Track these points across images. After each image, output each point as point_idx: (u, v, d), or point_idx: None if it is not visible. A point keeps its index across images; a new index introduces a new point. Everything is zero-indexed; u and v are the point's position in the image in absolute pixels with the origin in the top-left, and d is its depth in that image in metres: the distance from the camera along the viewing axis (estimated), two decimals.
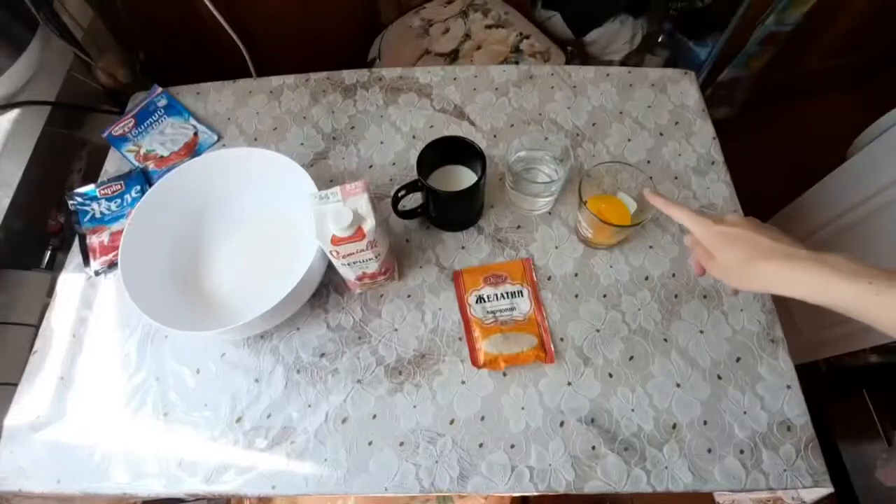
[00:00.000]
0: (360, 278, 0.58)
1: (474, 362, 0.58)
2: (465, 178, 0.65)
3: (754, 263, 0.43)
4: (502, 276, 0.62)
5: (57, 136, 0.77)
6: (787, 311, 1.03)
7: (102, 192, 0.71)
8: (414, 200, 0.67)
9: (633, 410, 0.55)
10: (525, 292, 0.61)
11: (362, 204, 0.51)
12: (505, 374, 0.58)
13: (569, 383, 0.57)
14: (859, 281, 0.38)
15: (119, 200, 0.70)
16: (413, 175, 0.65)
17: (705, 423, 0.55)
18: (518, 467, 0.53)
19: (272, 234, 0.66)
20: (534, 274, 0.63)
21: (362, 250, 0.52)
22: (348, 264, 0.54)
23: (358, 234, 0.50)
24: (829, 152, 1.00)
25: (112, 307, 0.65)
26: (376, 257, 0.54)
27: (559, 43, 1.17)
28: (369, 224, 0.50)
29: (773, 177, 1.21)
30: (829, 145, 1.01)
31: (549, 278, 0.63)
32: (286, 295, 0.53)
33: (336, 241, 0.50)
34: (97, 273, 0.67)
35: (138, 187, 0.71)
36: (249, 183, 0.65)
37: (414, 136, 0.75)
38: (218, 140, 0.77)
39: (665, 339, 0.59)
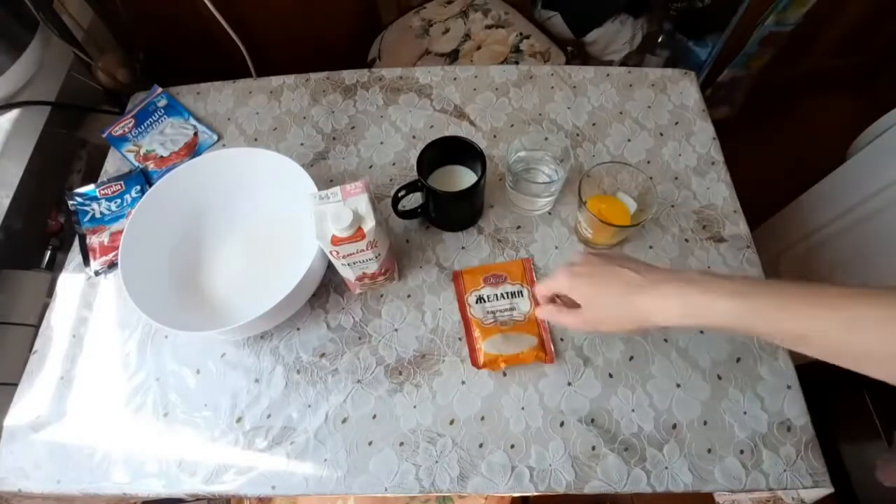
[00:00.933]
0: (359, 279, 0.58)
1: (474, 363, 0.58)
2: (465, 178, 0.65)
3: (629, 300, 0.41)
4: (502, 276, 0.62)
5: (57, 136, 0.77)
6: None
7: (102, 192, 0.71)
8: (414, 200, 0.67)
9: (633, 411, 0.55)
10: (525, 292, 0.61)
11: (362, 204, 0.51)
12: (505, 375, 0.58)
13: (569, 383, 0.57)
14: (733, 296, 0.37)
15: (119, 200, 0.70)
16: (413, 175, 0.65)
17: (705, 423, 0.55)
18: (518, 467, 0.53)
19: (272, 234, 0.66)
20: (534, 274, 0.63)
21: (362, 250, 0.52)
22: (348, 264, 0.54)
23: (358, 234, 0.50)
24: (829, 152, 1.00)
25: (112, 307, 0.65)
26: (376, 257, 0.54)
27: (559, 43, 1.17)
28: (369, 224, 0.50)
29: (773, 177, 1.21)
30: (829, 145, 1.01)
31: None
32: (286, 295, 0.53)
33: (336, 241, 0.50)
34: (97, 273, 0.67)
35: (138, 187, 0.71)
36: (249, 183, 0.65)
37: (414, 136, 0.75)
38: (218, 140, 0.77)
39: (665, 340, 0.59)
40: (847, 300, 0.33)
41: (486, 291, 0.61)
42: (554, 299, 0.50)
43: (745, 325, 0.36)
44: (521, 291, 0.61)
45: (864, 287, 0.34)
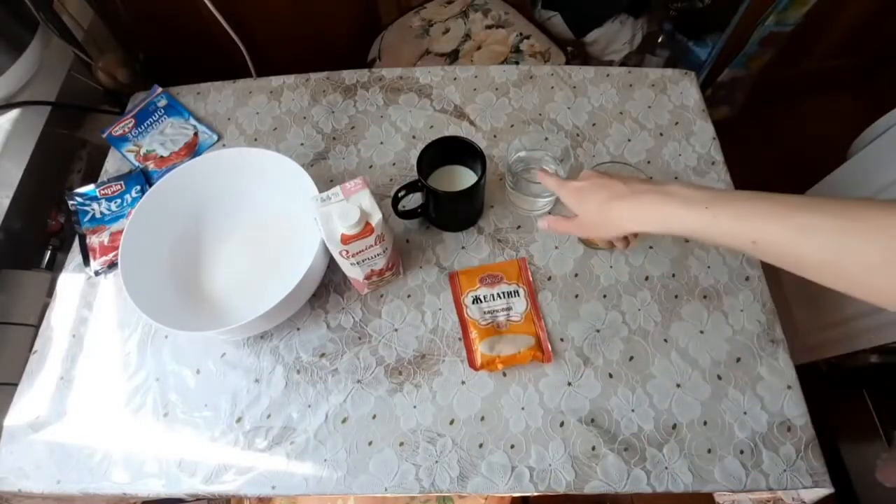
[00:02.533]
0: (368, 277, 0.58)
1: (472, 364, 0.58)
2: (465, 178, 0.65)
3: (608, 206, 0.46)
4: (498, 276, 0.62)
5: (57, 136, 0.77)
6: (787, 311, 1.03)
7: (102, 192, 0.71)
8: (414, 200, 0.67)
9: (633, 411, 0.55)
10: (521, 292, 0.61)
11: (365, 200, 0.51)
12: (505, 375, 0.58)
13: (569, 383, 0.57)
14: (696, 207, 0.40)
15: (119, 200, 0.70)
16: (413, 175, 0.65)
17: (705, 423, 0.55)
18: (518, 467, 0.53)
19: (272, 234, 0.66)
20: (530, 273, 0.63)
21: (371, 245, 0.52)
22: (357, 263, 0.54)
23: (366, 229, 0.50)
24: (829, 152, 1.00)
25: (112, 307, 0.65)
26: (384, 251, 0.55)
27: (559, 43, 1.17)
28: (376, 218, 0.50)
29: (774, 177, 1.21)
30: (829, 145, 1.01)
31: (549, 279, 0.63)
32: (286, 295, 0.53)
33: (346, 239, 0.50)
34: (97, 273, 0.67)
35: (138, 187, 0.71)
36: (249, 183, 0.65)
37: (414, 137, 0.75)
38: (218, 140, 0.77)
39: (665, 340, 0.59)
40: (796, 210, 0.36)
41: (482, 292, 0.61)
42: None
43: (707, 235, 0.40)
44: (517, 291, 0.61)
45: (811, 197, 0.37)
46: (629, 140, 0.73)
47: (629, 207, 0.45)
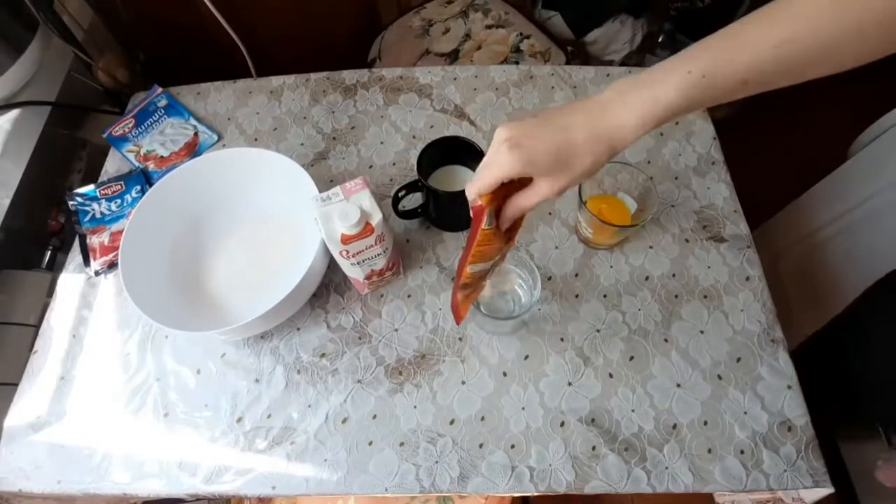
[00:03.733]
0: (368, 277, 0.58)
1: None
2: (465, 178, 0.65)
3: (598, 118, 0.36)
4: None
5: (57, 136, 0.77)
6: (787, 311, 1.03)
7: (102, 192, 0.71)
8: (414, 200, 0.67)
9: (633, 410, 0.55)
10: None
11: (365, 200, 0.51)
12: (505, 375, 0.58)
13: (569, 383, 0.57)
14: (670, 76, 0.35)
15: (119, 201, 0.70)
16: (413, 175, 0.66)
17: (706, 423, 0.55)
18: (518, 467, 0.53)
19: (272, 235, 0.66)
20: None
21: (371, 246, 0.52)
22: (358, 263, 0.54)
23: (367, 229, 0.50)
24: (829, 152, 1.00)
25: (112, 307, 0.65)
26: (384, 252, 0.55)
27: (559, 43, 1.17)
28: (376, 218, 0.50)
29: (773, 177, 1.21)
30: (829, 145, 1.01)
31: (549, 278, 0.63)
32: (286, 295, 0.53)
33: (346, 239, 0.50)
34: (97, 273, 0.67)
35: (138, 187, 0.71)
36: (249, 183, 0.65)
37: (414, 136, 0.75)
38: (218, 140, 0.77)
39: (665, 340, 0.59)
40: (759, 34, 0.34)
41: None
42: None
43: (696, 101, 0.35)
44: None
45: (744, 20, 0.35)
46: None
47: (622, 109, 0.36)
